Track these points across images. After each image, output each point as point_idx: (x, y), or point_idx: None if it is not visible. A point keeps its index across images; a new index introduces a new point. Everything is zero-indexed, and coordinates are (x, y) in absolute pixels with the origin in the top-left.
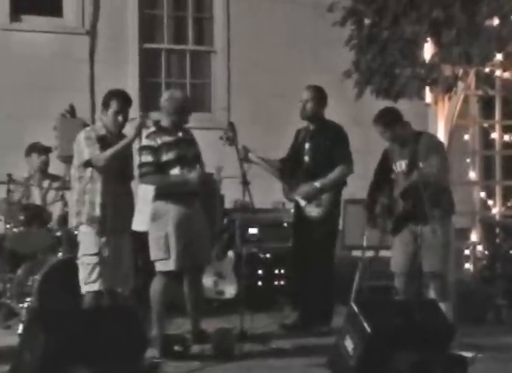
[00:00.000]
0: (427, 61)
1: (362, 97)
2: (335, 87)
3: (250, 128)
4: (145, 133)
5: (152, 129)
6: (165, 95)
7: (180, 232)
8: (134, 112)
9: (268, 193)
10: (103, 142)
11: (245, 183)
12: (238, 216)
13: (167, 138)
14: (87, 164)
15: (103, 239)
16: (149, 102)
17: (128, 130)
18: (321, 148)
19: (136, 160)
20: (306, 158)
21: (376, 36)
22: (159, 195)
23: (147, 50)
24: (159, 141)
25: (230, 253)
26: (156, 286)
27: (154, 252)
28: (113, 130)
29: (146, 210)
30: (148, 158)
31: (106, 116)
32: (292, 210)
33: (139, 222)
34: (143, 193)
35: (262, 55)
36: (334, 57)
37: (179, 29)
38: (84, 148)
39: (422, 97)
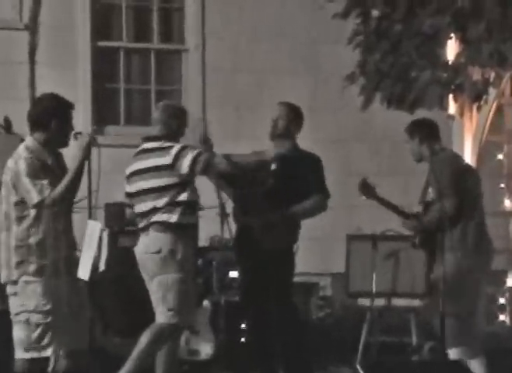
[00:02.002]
0: (450, 62)
1: (369, 107)
2: (336, 94)
3: (232, 146)
4: (169, 143)
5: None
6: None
7: (192, 277)
8: (85, 125)
9: None
10: (46, 169)
11: (224, 215)
12: (216, 256)
13: None
14: (37, 206)
15: (57, 291)
16: (104, 112)
17: (74, 149)
18: (290, 172)
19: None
20: (270, 179)
21: (386, 31)
22: (177, 227)
23: (101, 49)
24: None
25: (206, 302)
26: (154, 336)
27: (169, 299)
28: (55, 146)
29: (90, 254)
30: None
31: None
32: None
33: (84, 269)
34: (91, 231)
35: (246, 55)
36: (335, 58)
37: (141, 22)
38: (30, 187)
39: (444, 107)
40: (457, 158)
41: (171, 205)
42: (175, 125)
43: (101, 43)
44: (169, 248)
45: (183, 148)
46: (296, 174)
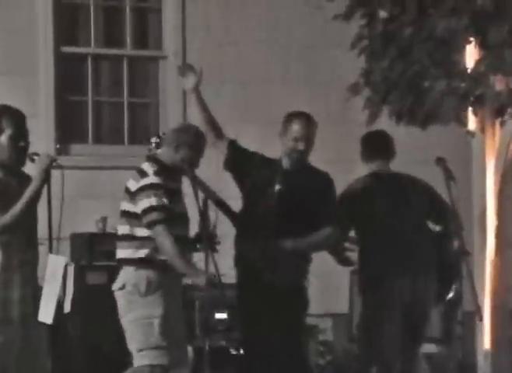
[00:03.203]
0: (469, 70)
1: (375, 122)
2: (337, 108)
3: (215, 166)
4: (151, 168)
5: (155, 166)
6: (183, 127)
7: (175, 313)
8: (48, 143)
9: None
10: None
11: (208, 246)
12: (199, 295)
13: (173, 183)
14: None
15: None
16: (69, 129)
17: (33, 171)
18: (299, 196)
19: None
20: (273, 205)
21: (395, 35)
22: (143, 261)
23: (66, 55)
24: (169, 184)
25: (188, 348)
26: None
27: (140, 339)
28: (10, 165)
29: (53, 293)
30: (162, 201)
31: None
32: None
33: (46, 311)
34: (53, 267)
35: (232, 63)
36: (336, 65)
37: (112, 25)
38: None
39: (462, 122)
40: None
41: (135, 239)
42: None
43: (66, 49)
44: (132, 282)
45: (142, 189)
46: (306, 197)
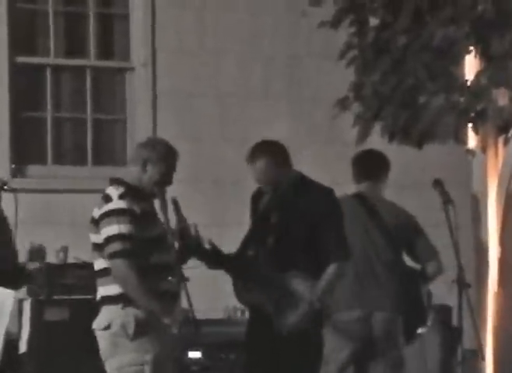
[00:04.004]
0: (469, 83)
1: (366, 141)
2: (324, 125)
3: (191, 193)
4: (116, 192)
5: (121, 189)
6: (149, 142)
7: (165, 358)
8: (2, 163)
9: (218, 294)
10: None
11: (182, 280)
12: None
13: (145, 205)
14: None
15: None
16: (26, 148)
17: None
18: (295, 222)
19: None
20: (270, 240)
21: (388, 45)
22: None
23: (22, 66)
24: (136, 208)
25: None
26: None
27: None
28: None
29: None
30: (126, 228)
31: None
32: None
33: None
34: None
35: (207, 75)
36: (322, 78)
37: (74, 33)
38: None
39: (462, 140)
40: None
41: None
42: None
43: (21, 59)
44: (119, 322)
45: (104, 215)
46: (301, 223)
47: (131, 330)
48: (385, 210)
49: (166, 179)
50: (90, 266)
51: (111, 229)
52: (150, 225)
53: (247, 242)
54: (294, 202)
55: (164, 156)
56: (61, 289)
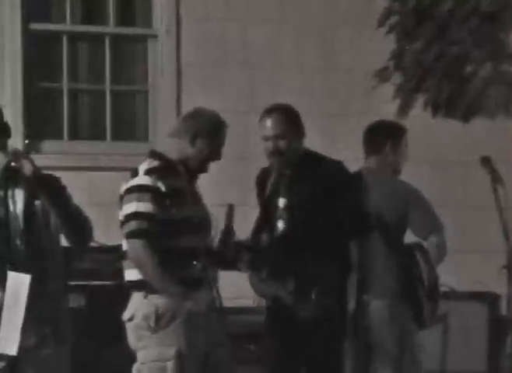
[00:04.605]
0: None
1: (408, 114)
2: (361, 97)
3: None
4: (145, 166)
5: (153, 163)
6: (199, 113)
7: (193, 353)
8: (15, 139)
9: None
10: None
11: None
12: None
13: (180, 183)
14: None
15: None
16: (41, 122)
17: None
18: (307, 204)
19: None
20: (280, 224)
21: (431, 10)
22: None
23: (36, 34)
24: (165, 185)
25: None
26: None
27: None
28: None
29: (16, 320)
30: (145, 206)
31: None
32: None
33: (7, 340)
34: (14, 288)
35: (235, 44)
36: (359, 47)
37: None
38: None
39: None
40: None
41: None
42: None
43: (36, 26)
44: (141, 314)
45: (126, 191)
46: (316, 202)
47: (152, 322)
48: (377, 189)
49: (215, 154)
50: (109, 249)
51: (130, 207)
52: (182, 205)
53: (259, 228)
54: (307, 179)
55: (215, 129)
56: (78, 274)
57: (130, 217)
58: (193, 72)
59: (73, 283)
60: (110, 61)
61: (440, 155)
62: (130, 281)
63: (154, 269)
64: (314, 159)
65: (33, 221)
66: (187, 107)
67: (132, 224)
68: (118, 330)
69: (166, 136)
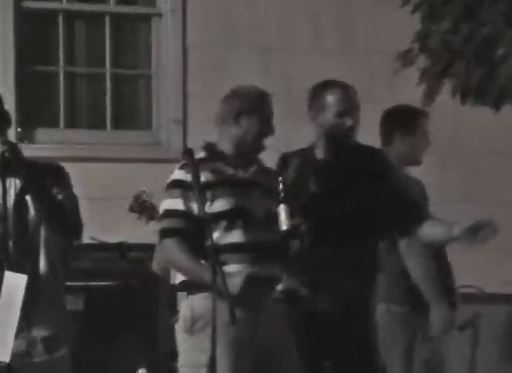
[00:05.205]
0: None
1: (434, 100)
2: (384, 81)
3: None
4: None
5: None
6: (237, 91)
7: (230, 360)
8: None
9: None
10: None
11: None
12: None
13: (222, 174)
14: None
15: None
16: (35, 108)
17: None
18: (343, 191)
19: None
20: (317, 212)
21: None
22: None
23: (30, 12)
24: (208, 178)
25: None
26: None
27: None
28: None
29: (10, 323)
30: (175, 203)
31: None
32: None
33: (1, 346)
34: (9, 288)
35: (244, 24)
36: (382, 27)
37: None
38: None
39: None
40: None
41: None
42: None
43: (29, 4)
44: (182, 315)
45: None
46: (360, 193)
47: (187, 325)
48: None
49: (266, 129)
50: (109, 247)
51: (163, 204)
52: (221, 198)
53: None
54: (346, 165)
55: (258, 102)
56: (75, 274)
57: (162, 215)
58: (200, 54)
59: (70, 283)
60: (110, 43)
61: (469, 143)
62: (177, 283)
63: (185, 262)
64: (353, 148)
65: (23, 215)
66: (193, 92)
67: (164, 223)
68: (120, 334)
69: (172, 123)
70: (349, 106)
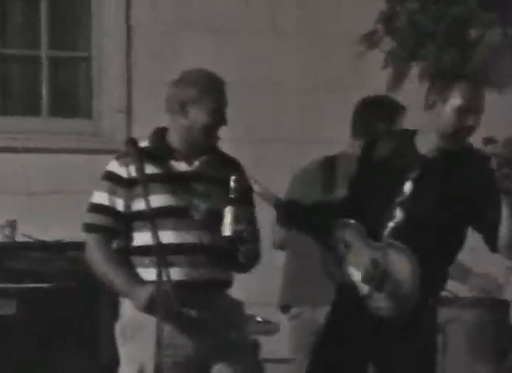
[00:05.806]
0: None
1: (401, 86)
2: (346, 66)
3: None
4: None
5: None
6: (183, 77)
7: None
8: None
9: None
10: None
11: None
12: None
13: (161, 167)
14: None
15: None
16: None
17: None
18: (448, 200)
19: None
20: (399, 214)
21: None
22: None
23: None
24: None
25: None
26: None
27: None
28: None
29: None
30: (103, 197)
31: None
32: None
33: None
34: None
35: (195, 4)
36: (343, 8)
37: None
38: None
39: None
40: None
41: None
42: None
43: None
44: (119, 320)
45: None
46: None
47: (119, 333)
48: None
49: (217, 119)
50: (44, 245)
51: (92, 196)
52: (160, 194)
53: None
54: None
55: (207, 89)
56: (7, 275)
57: (87, 208)
58: (145, 36)
59: (1, 285)
60: (46, 22)
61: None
62: None
63: (103, 265)
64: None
65: None
66: (137, 76)
67: (88, 217)
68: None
69: (115, 112)
70: (479, 102)
